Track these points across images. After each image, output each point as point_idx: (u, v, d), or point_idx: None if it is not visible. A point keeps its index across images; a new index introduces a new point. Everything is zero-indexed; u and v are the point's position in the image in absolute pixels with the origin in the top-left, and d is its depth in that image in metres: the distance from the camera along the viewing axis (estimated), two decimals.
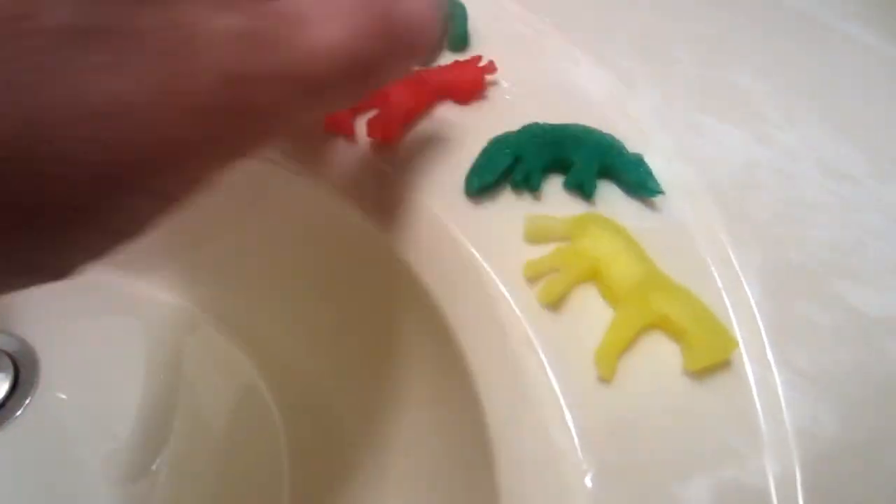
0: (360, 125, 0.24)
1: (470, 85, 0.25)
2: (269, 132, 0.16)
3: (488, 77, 0.26)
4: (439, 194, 0.23)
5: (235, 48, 0.14)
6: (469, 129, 0.24)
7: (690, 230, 0.23)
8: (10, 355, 0.33)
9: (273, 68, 0.14)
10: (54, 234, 0.13)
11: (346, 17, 0.16)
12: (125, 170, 0.13)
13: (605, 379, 0.19)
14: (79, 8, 0.12)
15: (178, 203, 0.15)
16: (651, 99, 0.27)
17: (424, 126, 0.25)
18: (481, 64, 0.26)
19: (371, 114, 0.24)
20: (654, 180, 0.23)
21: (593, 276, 0.21)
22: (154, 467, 0.31)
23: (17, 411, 0.32)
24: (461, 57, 0.27)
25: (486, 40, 0.28)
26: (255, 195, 0.17)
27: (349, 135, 0.24)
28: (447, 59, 0.27)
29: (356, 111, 0.24)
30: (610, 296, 0.20)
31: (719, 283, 0.22)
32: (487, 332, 0.21)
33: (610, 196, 0.23)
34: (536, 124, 0.23)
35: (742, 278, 0.22)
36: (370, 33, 0.16)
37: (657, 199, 0.23)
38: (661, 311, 0.20)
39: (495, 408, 0.20)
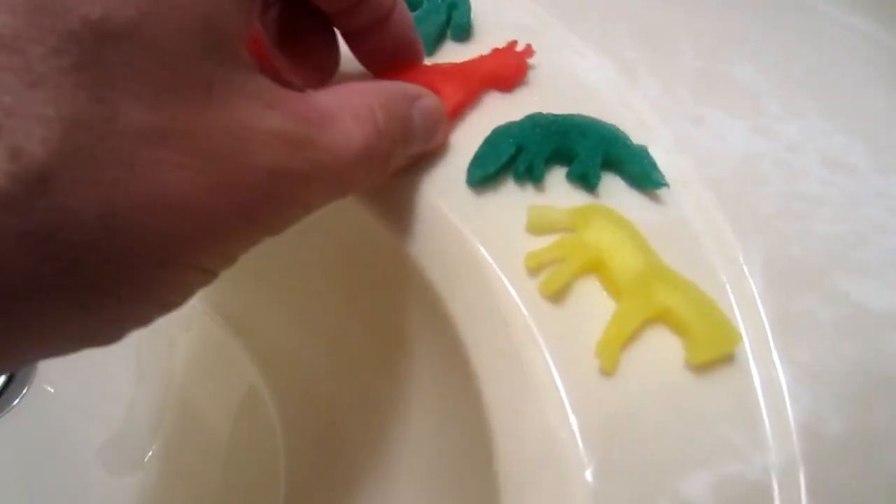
0: None
1: (514, 71, 0.25)
2: (302, 214, 0.18)
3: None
4: (441, 185, 0.23)
5: (279, 149, 0.16)
6: (471, 119, 0.24)
7: (693, 223, 0.23)
8: None
9: (307, 165, 0.16)
10: (115, 309, 0.14)
11: (369, 115, 0.18)
12: (182, 252, 0.15)
13: (607, 372, 0.19)
14: (156, 111, 0.13)
15: (217, 276, 0.16)
16: (654, 90, 0.26)
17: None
18: (519, 49, 0.26)
19: None
20: (659, 172, 0.23)
21: (596, 267, 0.21)
22: (147, 459, 0.31)
23: (13, 402, 0.32)
24: (464, 47, 0.27)
25: (489, 30, 0.28)
26: None
27: None
28: (450, 49, 0.27)
29: None
30: (612, 288, 0.20)
31: (723, 277, 0.22)
32: (489, 324, 0.21)
33: (613, 188, 0.23)
34: (539, 114, 0.23)
35: (746, 272, 0.22)
36: (390, 133, 0.19)
37: (660, 192, 0.23)
38: (664, 304, 0.20)
39: (496, 400, 0.20)
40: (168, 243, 0.14)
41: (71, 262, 0.13)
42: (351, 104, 0.18)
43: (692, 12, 0.30)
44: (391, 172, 0.20)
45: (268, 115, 0.16)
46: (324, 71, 0.23)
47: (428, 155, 0.23)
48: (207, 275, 0.16)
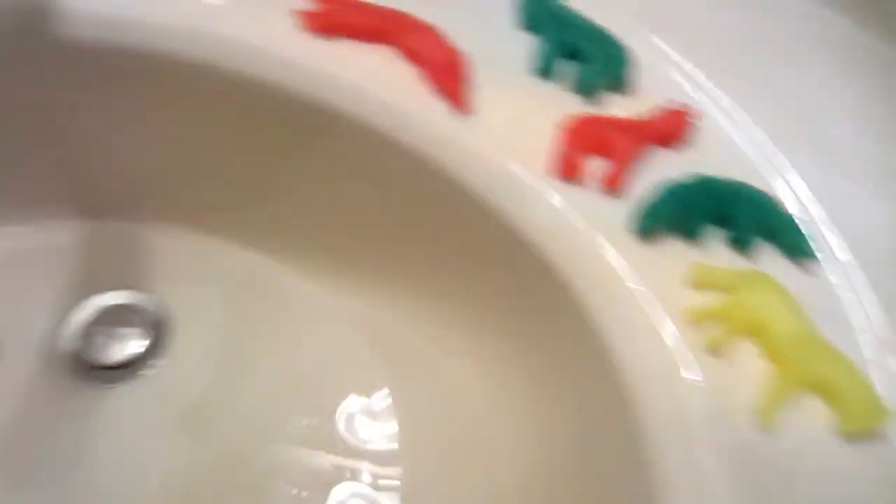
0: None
1: (677, 130, 0.27)
2: None
3: None
4: (605, 226, 0.24)
5: None
6: (639, 171, 0.26)
7: (841, 296, 0.24)
8: (150, 315, 0.34)
9: None
10: None
11: None
12: None
13: (766, 425, 0.20)
14: None
15: None
16: (805, 162, 0.28)
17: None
18: (683, 110, 0.28)
19: (595, 158, 0.26)
20: (809, 244, 0.24)
21: (756, 331, 0.22)
22: (273, 438, 0.32)
23: (148, 370, 0.33)
24: (622, 98, 0.29)
25: (644, 87, 0.29)
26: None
27: (579, 178, 0.26)
28: (611, 100, 0.29)
29: (584, 154, 0.26)
30: (771, 351, 0.22)
31: (865, 355, 0.23)
32: (651, 368, 0.22)
33: (766, 254, 0.25)
34: (709, 178, 0.25)
35: (889, 350, 0.23)
36: None
37: (810, 263, 0.24)
38: (821, 372, 0.21)
39: (654, 441, 0.21)
40: None
41: None
42: None
43: (847, 86, 0.31)
44: None
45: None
46: None
47: (600, 198, 0.25)
48: None
